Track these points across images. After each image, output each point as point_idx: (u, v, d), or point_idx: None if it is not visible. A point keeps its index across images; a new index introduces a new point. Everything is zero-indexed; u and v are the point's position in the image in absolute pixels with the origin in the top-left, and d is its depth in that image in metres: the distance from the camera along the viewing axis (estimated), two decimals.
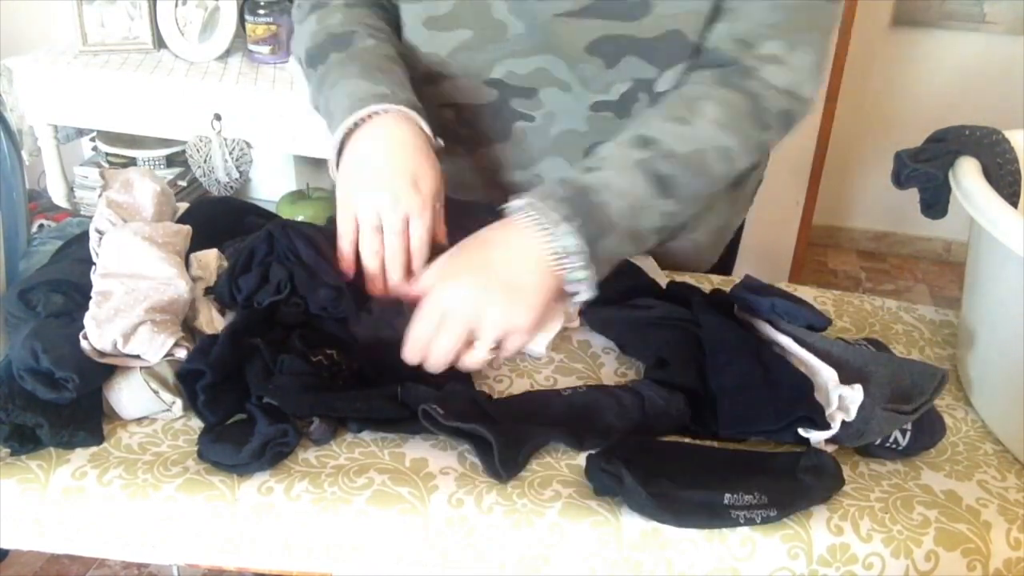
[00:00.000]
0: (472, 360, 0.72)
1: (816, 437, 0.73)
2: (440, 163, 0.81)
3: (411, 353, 0.72)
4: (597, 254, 0.73)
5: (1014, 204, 0.83)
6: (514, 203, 0.74)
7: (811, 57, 0.83)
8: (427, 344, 0.71)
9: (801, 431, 0.73)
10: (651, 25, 0.82)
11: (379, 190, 0.77)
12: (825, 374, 0.76)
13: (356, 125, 0.80)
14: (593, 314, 0.88)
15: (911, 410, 0.72)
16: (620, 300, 0.88)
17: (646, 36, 0.83)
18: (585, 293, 0.74)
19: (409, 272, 0.78)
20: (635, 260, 0.94)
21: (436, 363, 0.72)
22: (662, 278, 0.93)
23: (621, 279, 0.90)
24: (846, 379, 0.75)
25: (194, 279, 0.81)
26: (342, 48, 0.86)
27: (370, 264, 0.78)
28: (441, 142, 0.83)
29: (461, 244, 0.75)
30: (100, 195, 0.87)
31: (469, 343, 0.71)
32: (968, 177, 0.81)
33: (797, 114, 0.85)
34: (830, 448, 0.74)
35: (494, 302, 0.70)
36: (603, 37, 0.84)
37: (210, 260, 0.83)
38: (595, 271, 0.73)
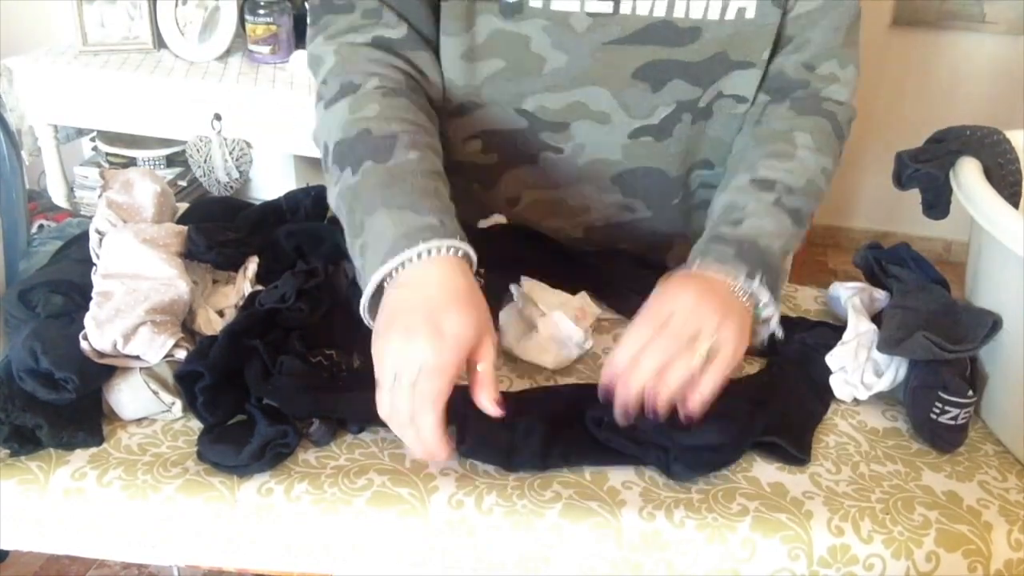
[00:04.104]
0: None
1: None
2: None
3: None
4: (776, 294, 0.75)
5: (1015, 204, 0.83)
6: (693, 266, 0.74)
7: (854, 69, 0.91)
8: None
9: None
10: (699, 49, 0.84)
11: (401, 340, 0.64)
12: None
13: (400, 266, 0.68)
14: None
15: (952, 349, 0.74)
16: None
17: (693, 60, 0.85)
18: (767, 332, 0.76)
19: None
20: None
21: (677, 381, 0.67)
22: None
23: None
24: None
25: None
26: (381, 157, 0.73)
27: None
28: (481, 274, 0.76)
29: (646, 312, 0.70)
30: (100, 195, 0.87)
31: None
32: (969, 177, 0.81)
33: (853, 121, 0.92)
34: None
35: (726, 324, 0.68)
36: (651, 62, 0.84)
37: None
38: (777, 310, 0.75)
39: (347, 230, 0.74)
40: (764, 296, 0.72)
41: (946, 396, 0.74)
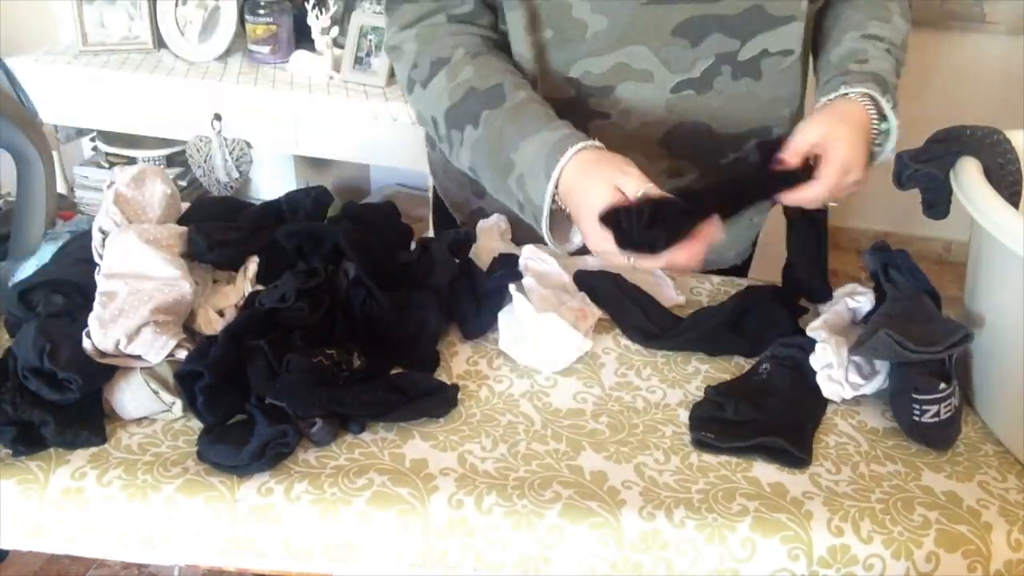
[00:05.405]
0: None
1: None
2: None
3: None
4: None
5: (1015, 204, 0.82)
6: (852, 91, 0.89)
7: None
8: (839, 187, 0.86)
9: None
10: (734, 3, 0.89)
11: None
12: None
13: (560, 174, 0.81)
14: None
15: (914, 349, 0.75)
16: None
17: (729, 13, 0.89)
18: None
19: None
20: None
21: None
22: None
23: None
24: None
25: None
26: (495, 104, 0.86)
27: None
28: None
29: (827, 116, 0.88)
30: (110, 186, 0.86)
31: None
32: (969, 178, 0.81)
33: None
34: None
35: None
36: (690, 19, 0.89)
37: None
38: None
39: (493, 175, 0.87)
40: (890, 112, 0.88)
41: (918, 396, 0.75)
